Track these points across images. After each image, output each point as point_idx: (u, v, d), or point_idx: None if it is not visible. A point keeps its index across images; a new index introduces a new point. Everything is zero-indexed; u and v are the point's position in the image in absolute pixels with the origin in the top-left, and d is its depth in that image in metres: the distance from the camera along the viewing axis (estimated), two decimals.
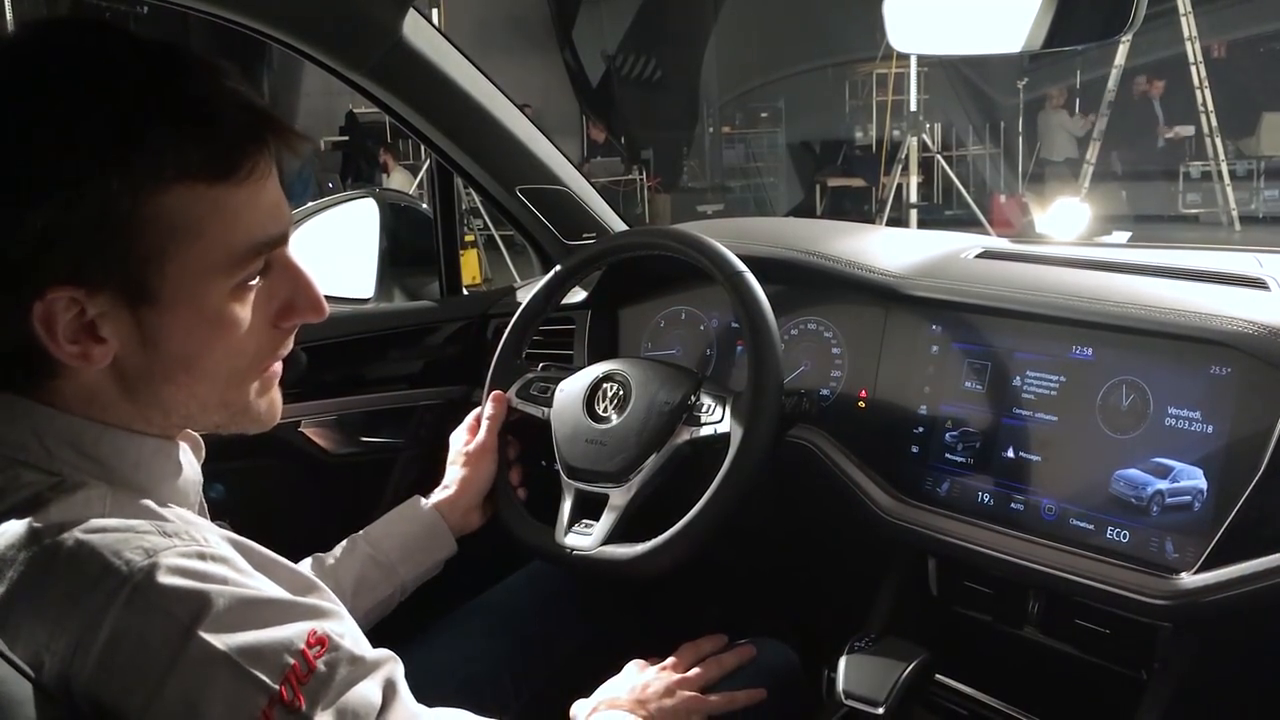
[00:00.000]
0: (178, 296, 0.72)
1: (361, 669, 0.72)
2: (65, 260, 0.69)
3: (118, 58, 0.71)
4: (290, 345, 0.83)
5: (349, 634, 0.74)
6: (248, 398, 0.81)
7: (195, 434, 0.87)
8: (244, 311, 0.76)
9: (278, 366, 0.84)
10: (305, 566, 1.17)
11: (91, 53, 0.71)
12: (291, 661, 0.68)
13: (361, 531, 1.26)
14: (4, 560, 0.68)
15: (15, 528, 0.69)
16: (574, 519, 1.27)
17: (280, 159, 0.77)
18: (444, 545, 1.28)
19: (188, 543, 0.70)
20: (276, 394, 0.85)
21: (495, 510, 1.33)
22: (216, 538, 0.74)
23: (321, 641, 0.70)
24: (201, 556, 0.69)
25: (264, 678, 0.67)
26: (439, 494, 1.31)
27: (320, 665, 0.69)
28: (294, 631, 0.69)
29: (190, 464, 0.84)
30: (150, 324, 0.73)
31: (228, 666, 0.66)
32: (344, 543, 1.24)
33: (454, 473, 1.33)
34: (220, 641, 0.66)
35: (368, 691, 0.71)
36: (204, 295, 0.73)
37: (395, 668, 0.76)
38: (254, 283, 0.76)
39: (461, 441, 1.36)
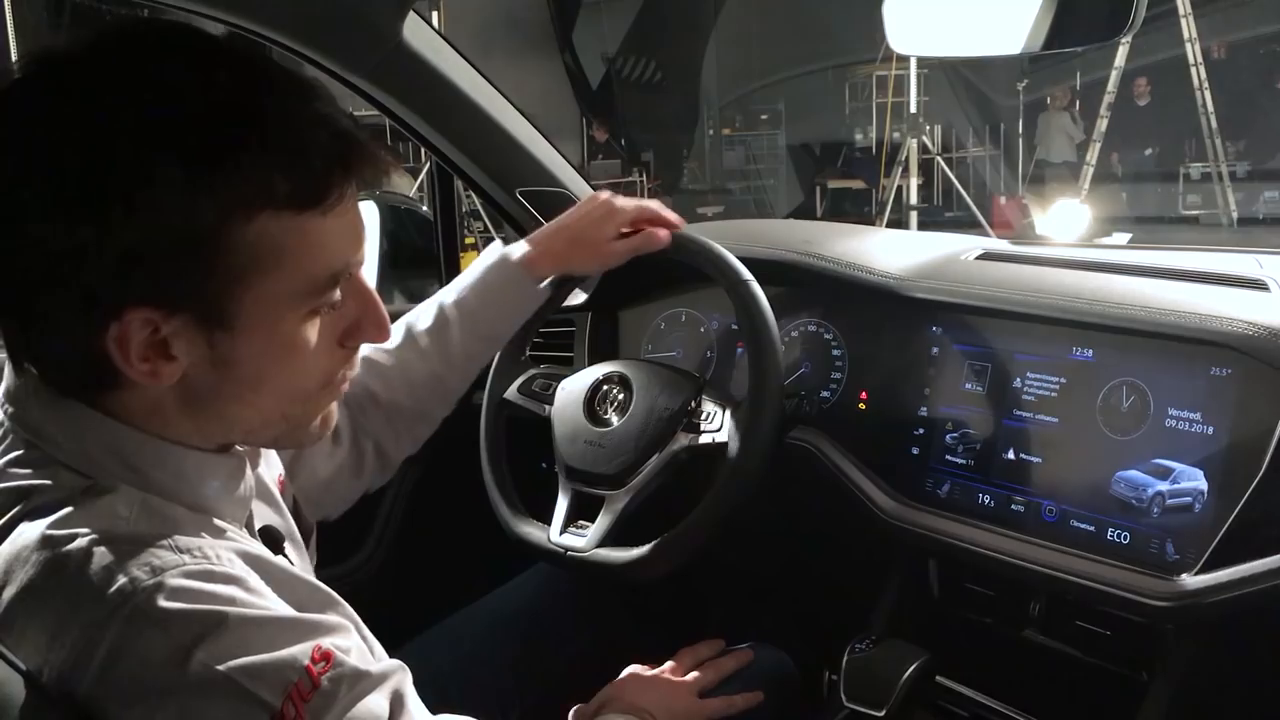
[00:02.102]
0: (253, 321, 0.72)
1: (368, 683, 0.71)
2: (145, 282, 0.68)
3: (206, 71, 0.69)
4: (357, 365, 0.84)
5: (355, 648, 0.73)
6: (310, 414, 0.81)
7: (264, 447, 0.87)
8: (314, 334, 0.76)
9: (344, 385, 0.84)
10: (403, 345, 1.18)
11: (179, 66, 0.69)
12: (295, 679, 0.67)
13: (452, 301, 1.23)
14: (17, 559, 0.68)
15: (35, 528, 0.69)
16: (570, 519, 1.27)
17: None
18: (537, 297, 1.27)
19: (198, 560, 0.69)
20: (333, 409, 0.84)
21: (492, 503, 1.33)
22: (231, 554, 0.72)
23: (327, 657, 0.69)
24: (210, 576, 0.68)
25: (265, 696, 0.66)
26: (536, 246, 1.26)
27: (325, 682, 0.68)
28: (298, 649, 0.68)
29: (235, 475, 0.81)
30: (223, 346, 0.72)
31: (228, 686, 0.65)
32: (435, 312, 1.22)
33: (572, 234, 1.28)
34: (221, 662, 0.65)
35: (374, 705, 0.70)
36: (280, 321, 0.73)
37: (403, 678, 0.75)
38: (329, 307, 0.76)
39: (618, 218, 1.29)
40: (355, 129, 0.73)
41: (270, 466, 0.94)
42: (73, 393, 0.74)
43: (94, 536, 0.68)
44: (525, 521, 1.31)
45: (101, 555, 0.67)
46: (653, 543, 1.19)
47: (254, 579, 0.71)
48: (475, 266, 1.27)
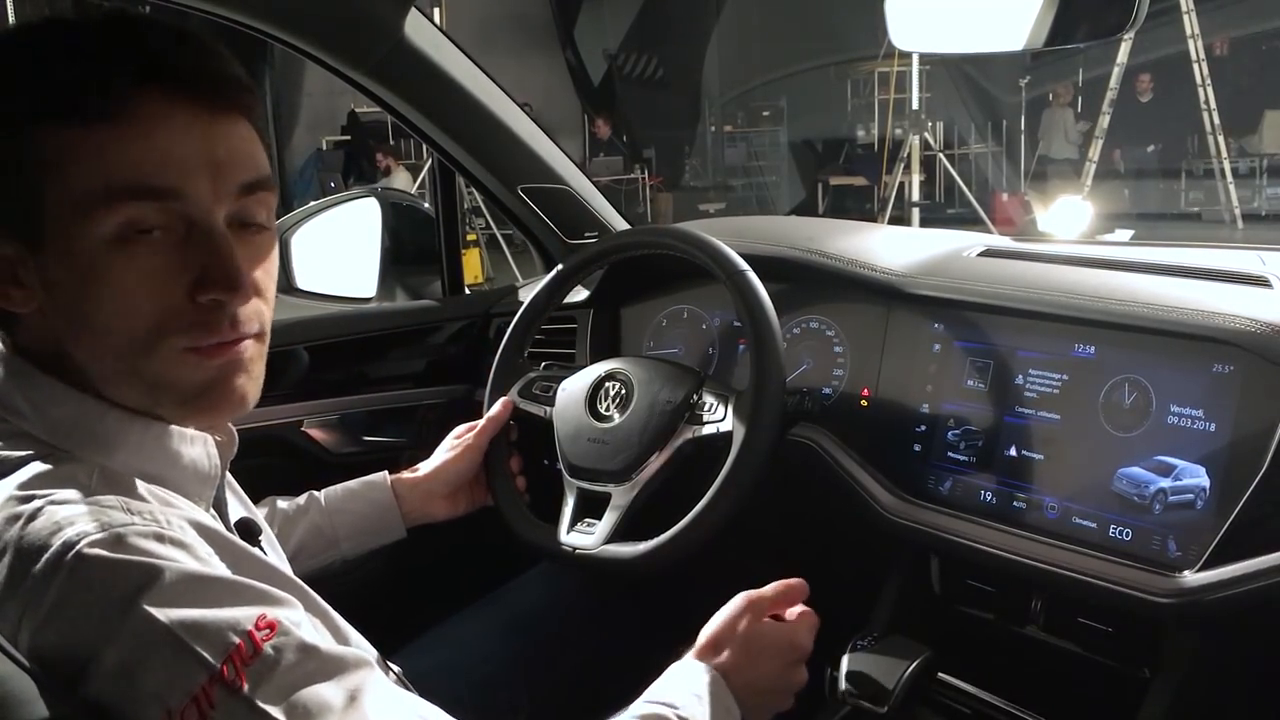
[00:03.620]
0: (54, 239, 0.73)
1: (321, 665, 0.69)
2: None
3: (58, 31, 0.75)
4: (220, 328, 0.77)
5: (305, 624, 0.71)
6: (164, 374, 0.76)
7: (229, 427, 0.87)
8: (127, 267, 0.73)
9: (226, 353, 0.78)
10: (262, 507, 1.19)
11: (45, 30, 0.75)
12: (236, 641, 0.66)
13: (321, 493, 1.27)
14: None
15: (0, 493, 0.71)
16: (576, 518, 1.27)
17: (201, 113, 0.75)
18: (393, 530, 1.28)
19: (148, 522, 0.70)
20: (231, 383, 0.79)
21: (498, 508, 1.33)
22: (183, 522, 0.72)
23: (271, 626, 0.68)
24: (159, 538, 0.69)
25: (205, 654, 0.65)
26: (407, 473, 1.32)
27: (267, 649, 0.67)
28: (242, 613, 0.68)
29: (199, 454, 0.82)
30: (45, 270, 0.74)
31: (169, 639, 0.65)
32: (302, 498, 1.25)
33: (434, 458, 1.34)
34: (163, 614, 0.65)
35: (326, 693, 0.68)
36: (72, 238, 0.72)
37: (367, 674, 0.72)
38: (145, 237, 0.73)
39: (459, 430, 1.37)
40: (166, 43, 0.75)
41: None
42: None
43: (51, 497, 0.69)
44: (532, 523, 1.31)
45: (51, 512, 0.68)
46: (661, 536, 1.19)
47: (203, 548, 0.71)
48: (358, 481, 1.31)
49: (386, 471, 1.31)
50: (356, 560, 1.27)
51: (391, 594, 1.51)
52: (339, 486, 1.28)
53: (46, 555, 0.66)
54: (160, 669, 0.65)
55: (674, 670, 0.97)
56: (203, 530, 0.74)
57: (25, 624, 0.66)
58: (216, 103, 0.76)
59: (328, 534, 1.23)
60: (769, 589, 1.06)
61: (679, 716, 0.89)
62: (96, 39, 0.74)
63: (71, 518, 0.68)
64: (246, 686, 0.65)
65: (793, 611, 1.06)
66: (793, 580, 1.07)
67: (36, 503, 0.69)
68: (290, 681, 0.67)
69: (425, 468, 1.32)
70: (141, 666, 0.65)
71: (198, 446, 0.82)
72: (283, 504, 1.24)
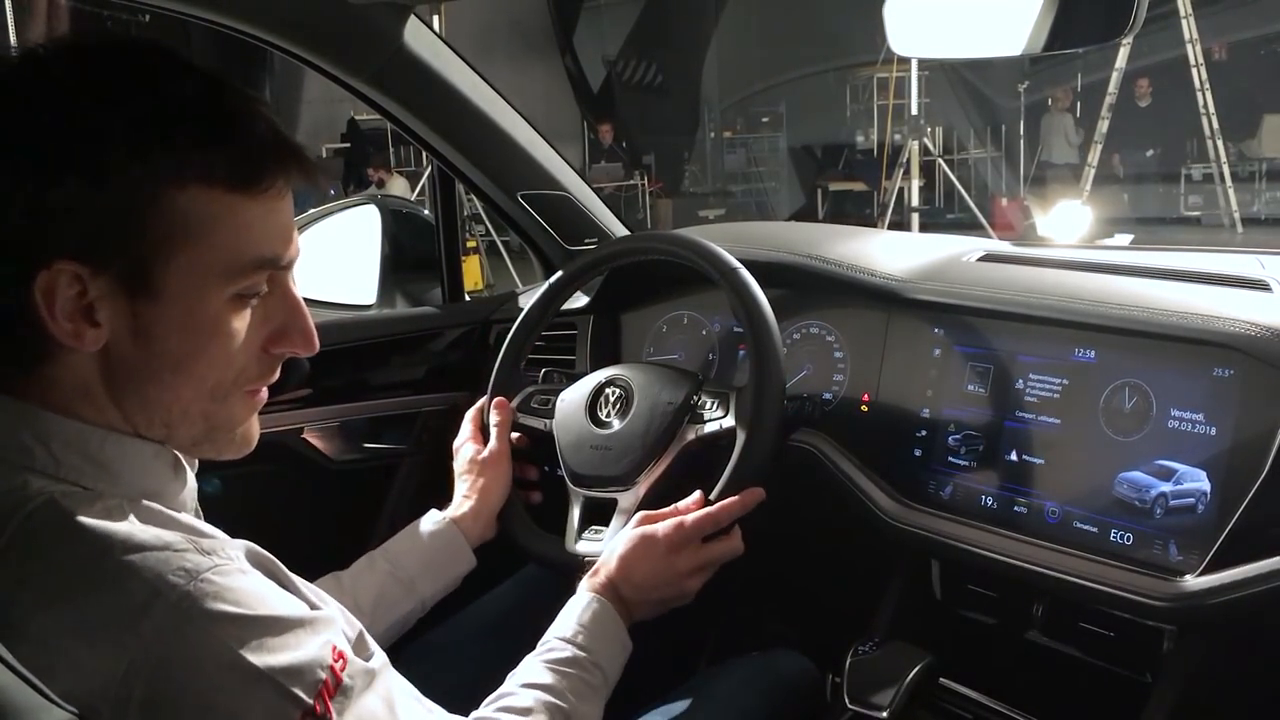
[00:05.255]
0: (177, 293, 0.74)
1: (369, 679, 0.77)
2: (76, 236, 0.71)
3: (168, 72, 0.75)
4: (276, 374, 0.84)
5: (347, 643, 0.78)
6: (229, 414, 0.82)
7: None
8: (239, 325, 0.78)
9: (263, 395, 0.85)
10: (323, 584, 1.17)
11: (148, 65, 0.75)
12: (323, 677, 0.72)
13: (380, 548, 1.25)
14: (32, 572, 0.69)
15: (43, 539, 0.70)
16: (583, 526, 1.27)
17: (297, 189, 0.80)
18: (464, 559, 1.27)
19: (225, 560, 0.72)
20: (255, 422, 0.86)
21: (503, 522, 1.33)
22: (240, 553, 0.75)
23: (341, 656, 0.74)
24: (241, 576, 0.72)
25: (301, 694, 0.70)
26: (458, 506, 1.30)
27: (345, 679, 0.74)
28: (322, 649, 0.73)
29: (190, 475, 0.85)
30: (146, 317, 0.74)
31: (270, 685, 0.69)
32: (362, 560, 1.24)
33: (469, 482, 1.32)
34: (261, 661, 0.69)
35: (373, 705, 0.76)
36: (202, 297, 0.75)
37: (388, 676, 0.81)
38: (253, 299, 0.78)
39: (472, 450, 1.35)
40: (289, 134, 0.79)
41: None
42: (6, 376, 0.75)
43: (120, 547, 0.69)
44: (539, 535, 1.30)
45: (136, 566, 0.69)
46: None
47: (262, 579, 0.75)
48: (411, 527, 1.30)
49: (434, 509, 1.30)
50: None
51: None
52: (392, 540, 1.27)
53: (146, 615, 0.67)
54: (261, 713, 0.70)
55: (570, 604, 1.10)
56: (252, 556, 0.77)
57: (133, 684, 0.66)
58: (307, 175, 0.80)
59: (403, 577, 1.21)
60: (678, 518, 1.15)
61: (576, 645, 1.04)
62: (228, 99, 0.76)
63: (155, 570, 0.69)
64: (334, 716, 0.72)
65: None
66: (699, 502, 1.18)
67: (107, 555, 0.69)
68: (359, 703, 0.75)
69: (473, 495, 1.31)
70: (247, 713, 0.69)
71: (176, 460, 0.83)
72: (340, 574, 1.22)
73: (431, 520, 1.28)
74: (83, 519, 0.70)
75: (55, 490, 0.72)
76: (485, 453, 1.34)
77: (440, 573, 1.25)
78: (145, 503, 0.75)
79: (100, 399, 0.76)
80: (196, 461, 0.88)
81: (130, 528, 0.71)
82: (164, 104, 0.73)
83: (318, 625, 0.75)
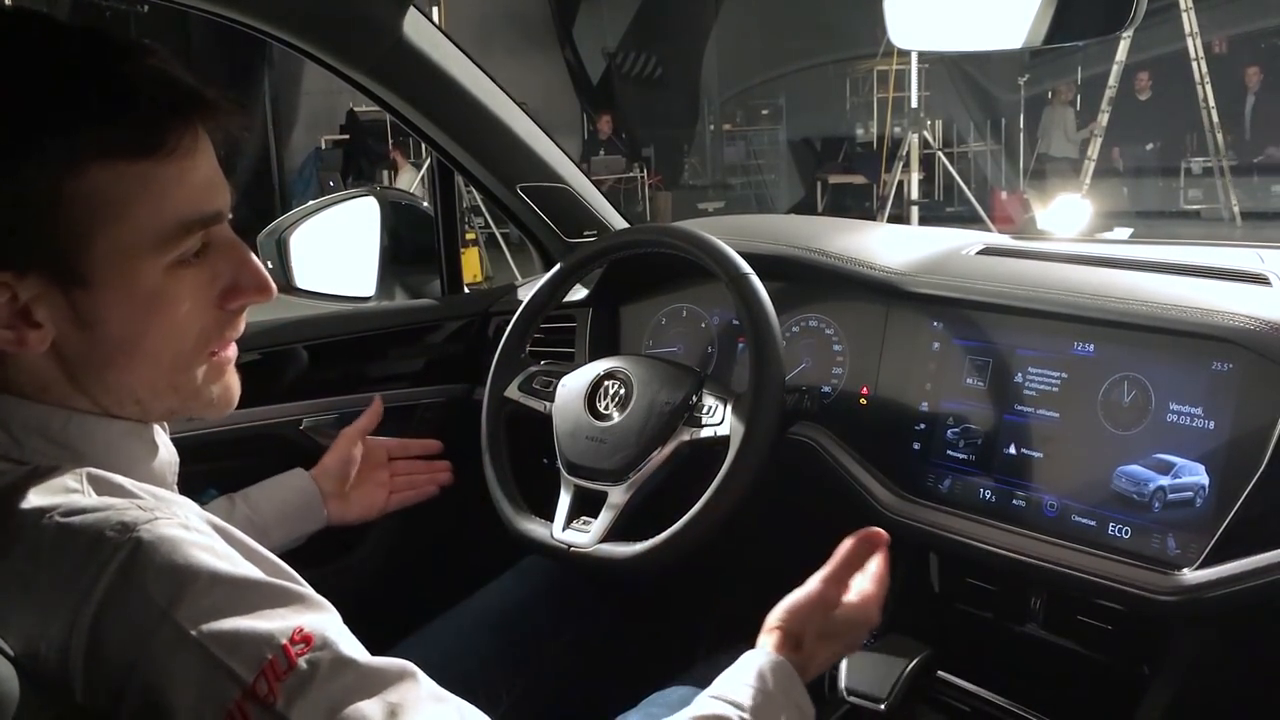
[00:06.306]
0: (109, 277, 0.71)
1: (360, 679, 0.68)
2: None
3: (35, 43, 0.70)
4: (241, 328, 0.81)
5: (343, 631, 0.71)
6: (196, 382, 0.79)
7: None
8: (181, 291, 0.75)
9: (231, 351, 0.82)
10: None
11: (9, 42, 0.70)
12: (269, 656, 0.65)
13: (241, 492, 1.25)
14: None
15: None
16: (572, 515, 1.27)
17: (216, 136, 0.76)
18: (317, 517, 1.28)
19: (166, 516, 0.69)
20: (232, 378, 0.83)
21: (493, 497, 1.33)
22: (196, 517, 0.72)
23: (307, 639, 0.67)
24: (185, 528, 0.69)
25: (238, 669, 0.64)
26: (325, 469, 1.32)
27: (301, 663, 0.66)
28: (277, 626, 0.67)
29: (165, 445, 0.83)
30: (85, 306, 0.72)
31: (200, 654, 0.64)
32: (222, 500, 1.23)
33: (350, 458, 1.33)
34: (195, 626, 0.64)
35: (367, 709, 0.67)
36: (136, 275, 0.72)
37: (410, 686, 0.70)
38: (191, 262, 0.75)
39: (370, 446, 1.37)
40: (193, 80, 0.73)
41: None
42: None
43: (60, 512, 0.68)
44: (527, 519, 1.31)
45: (74, 527, 0.67)
46: (655, 538, 1.19)
47: (211, 536, 0.71)
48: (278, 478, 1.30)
49: (299, 468, 1.31)
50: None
51: (379, 594, 1.51)
52: (253, 487, 1.27)
53: (83, 573, 0.65)
54: (192, 683, 0.64)
55: (745, 661, 0.93)
56: (213, 524, 0.73)
57: (73, 642, 0.65)
58: (220, 120, 0.76)
59: (258, 522, 1.22)
60: (835, 564, 1.04)
61: (741, 717, 0.85)
62: (111, 60, 0.71)
63: (94, 527, 0.67)
64: (279, 701, 0.64)
65: (864, 577, 1.04)
66: (869, 532, 1.06)
67: (46, 522, 0.67)
68: (327, 697, 0.66)
69: (338, 467, 1.32)
70: (173, 681, 0.64)
71: (161, 437, 0.83)
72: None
73: (295, 475, 1.29)
74: (31, 491, 0.69)
75: (16, 473, 0.71)
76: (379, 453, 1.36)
77: (293, 526, 1.26)
78: (102, 473, 0.73)
79: (64, 389, 0.75)
80: (167, 425, 0.87)
81: (78, 496, 0.70)
82: (37, 85, 0.68)
83: (281, 597, 0.69)
